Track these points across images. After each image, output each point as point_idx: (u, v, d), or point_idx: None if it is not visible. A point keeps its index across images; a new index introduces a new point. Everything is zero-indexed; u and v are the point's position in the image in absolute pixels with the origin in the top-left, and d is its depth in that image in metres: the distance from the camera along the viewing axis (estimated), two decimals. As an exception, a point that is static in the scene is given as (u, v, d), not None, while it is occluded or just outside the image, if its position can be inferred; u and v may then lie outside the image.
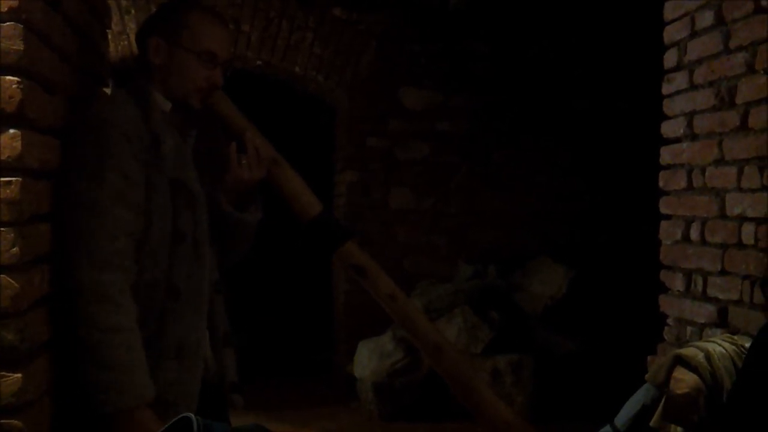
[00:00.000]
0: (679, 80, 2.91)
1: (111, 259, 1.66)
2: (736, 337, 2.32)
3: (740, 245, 2.54)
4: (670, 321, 2.93)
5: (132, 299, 1.70)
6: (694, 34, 2.81)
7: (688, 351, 2.21)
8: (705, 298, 2.71)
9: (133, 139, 1.75)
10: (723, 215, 2.63)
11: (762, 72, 2.45)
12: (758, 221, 2.46)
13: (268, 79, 5.95)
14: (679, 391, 2.12)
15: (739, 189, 2.55)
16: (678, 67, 2.92)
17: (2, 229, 1.43)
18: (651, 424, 2.29)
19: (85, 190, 1.68)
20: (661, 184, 3.03)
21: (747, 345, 2.20)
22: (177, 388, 1.79)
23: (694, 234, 2.79)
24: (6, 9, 1.45)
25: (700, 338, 2.62)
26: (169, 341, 1.78)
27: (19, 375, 1.44)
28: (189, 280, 1.82)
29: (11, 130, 1.44)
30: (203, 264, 1.86)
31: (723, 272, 2.61)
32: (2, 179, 1.43)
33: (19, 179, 1.45)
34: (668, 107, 2.99)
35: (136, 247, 1.74)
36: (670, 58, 2.98)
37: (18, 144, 1.44)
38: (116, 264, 1.67)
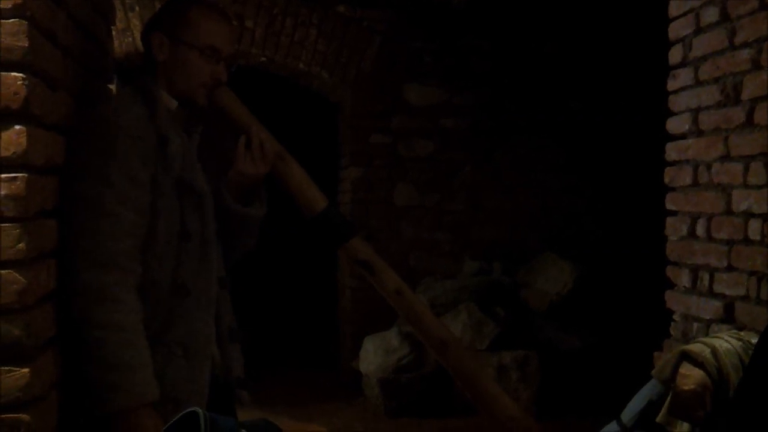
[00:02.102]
0: (684, 76, 2.89)
1: (114, 259, 1.66)
2: (742, 333, 2.31)
3: (747, 241, 2.53)
4: (676, 317, 2.92)
5: (137, 299, 1.70)
6: (699, 31, 2.80)
7: (694, 347, 2.20)
8: (711, 294, 2.70)
9: (139, 140, 1.74)
10: (729, 211, 2.63)
11: (767, 68, 2.44)
12: (764, 217, 2.45)
13: (272, 76, 5.95)
14: (685, 387, 2.12)
15: (745, 185, 2.54)
16: (683, 64, 2.91)
17: (8, 224, 1.43)
18: (657, 420, 2.29)
19: (89, 190, 1.67)
20: (666, 180, 3.02)
21: (754, 341, 2.19)
22: (187, 386, 1.79)
23: (701, 230, 2.78)
24: (10, 5, 1.45)
25: (707, 334, 2.62)
26: (177, 339, 1.78)
27: (26, 370, 1.44)
28: (196, 279, 1.82)
29: (16, 126, 1.44)
30: (210, 262, 1.86)
31: (729, 268, 2.61)
32: (7, 175, 1.43)
33: (25, 175, 1.45)
34: (673, 103, 2.98)
35: (143, 247, 1.73)
36: (675, 55, 2.96)
37: (23, 140, 1.44)
38: (120, 265, 1.67)
